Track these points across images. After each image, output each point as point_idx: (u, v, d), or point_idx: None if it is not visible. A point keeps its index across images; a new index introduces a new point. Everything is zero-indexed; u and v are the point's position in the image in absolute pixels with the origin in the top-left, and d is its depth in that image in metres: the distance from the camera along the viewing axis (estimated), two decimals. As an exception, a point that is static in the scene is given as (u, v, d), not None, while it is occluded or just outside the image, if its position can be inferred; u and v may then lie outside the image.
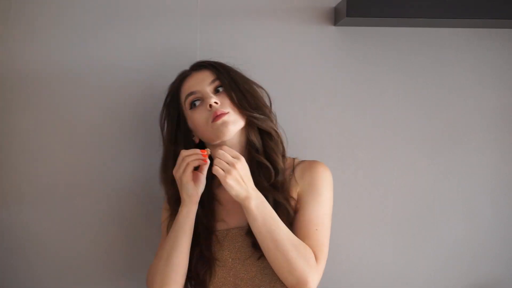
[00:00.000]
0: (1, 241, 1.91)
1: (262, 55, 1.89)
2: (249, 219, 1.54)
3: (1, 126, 1.89)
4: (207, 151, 1.57)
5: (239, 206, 1.58)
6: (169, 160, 1.67)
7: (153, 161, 1.85)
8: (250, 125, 1.64)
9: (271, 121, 1.66)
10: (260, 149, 1.64)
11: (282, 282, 1.57)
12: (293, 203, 1.62)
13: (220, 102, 1.61)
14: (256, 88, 1.70)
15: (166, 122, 1.72)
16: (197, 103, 1.63)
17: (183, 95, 1.67)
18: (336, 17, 1.86)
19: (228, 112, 1.60)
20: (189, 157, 1.56)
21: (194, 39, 1.89)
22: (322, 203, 1.62)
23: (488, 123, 1.93)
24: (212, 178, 1.64)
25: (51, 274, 1.92)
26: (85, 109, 1.89)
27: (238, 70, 1.70)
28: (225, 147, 1.55)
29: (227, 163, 1.51)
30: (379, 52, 1.91)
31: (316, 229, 1.59)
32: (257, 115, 1.63)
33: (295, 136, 1.89)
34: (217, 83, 1.64)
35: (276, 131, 1.66)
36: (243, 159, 1.54)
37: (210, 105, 1.59)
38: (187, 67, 1.74)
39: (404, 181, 1.93)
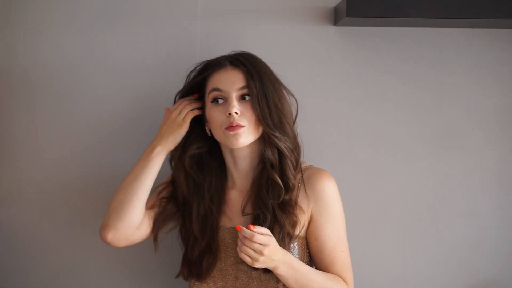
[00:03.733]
0: (1, 241, 1.91)
1: (261, 55, 1.88)
2: (281, 279, 1.57)
3: (1, 125, 1.89)
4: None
5: None
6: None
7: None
8: (268, 140, 1.62)
9: (289, 138, 1.63)
10: (275, 165, 1.63)
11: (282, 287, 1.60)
12: (301, 215, 1.62)
13: (241, 112, 1.59)
14: (285, 96, 1.67)
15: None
16: (220, 101, 1.61)
17: (210, 85, 1.63)
18: (336, 17, 1.86)
19: (244, 126, 1.58)
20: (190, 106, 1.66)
21: (194, 39, 1.89)
22: (339, 223, 1.65)
23: (488, 123, 1.93)
24: (225, 178, 1.69)
25: (51, 273, 1.92)
26: (85, 109, 1.89)
27: (271, 72, 1.67)
28: (257, 228, 1.51)
29: (255, 251, 1.51)
30: (379, 52, 1.91)
31: (342, 251, 1.64)
32: (278, 135, 1.61)
33: (295, 136, 1.90)
34: (245, 91, 1.60)
35: (291, 150, 1.63)
36: (272, 242, 1.52)
37: (230, 113, 1.58)
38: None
39: (404, 181, 1.93)
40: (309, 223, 1.64)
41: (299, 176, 1.65)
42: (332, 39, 1.90)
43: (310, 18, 1.89)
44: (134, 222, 1.64)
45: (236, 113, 1.58)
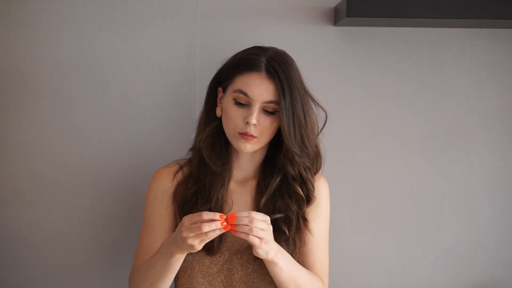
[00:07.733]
0: (1, 241, 1.91)
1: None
2: (275, 269, 1.55)
3: (1, 125, 1.89)
4: (225, 218, 1.47)
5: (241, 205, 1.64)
6: (201, 120, 1.67)
7: (153, 160, 1.85)
8: (287, 156, 1.61)
9: (309, 156, 1.62)
10: (296, 178, 1.64)
11: (275, 286, 1.60)
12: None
13: (259, 124, 1.57)
14: (312, 108, 1.65)
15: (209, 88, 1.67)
16: (243, 104, 1.57)
17: (238, 82, 1.57)
18: (336, 17, 1.86)
19: (256, 137, 1.58)
20: (210, 228, 1.45)
21: (194, 39, 1.89)
22: (324, 223, 1.68)
23: (487, 123, 1.93)
24: (226, 174, 1.64)
25: (51, 274, 1.92)
26: (85, 109, 1.89)
27: (301, 84, 1.61)
28: (253, 213, 1.47)
29: (262, 230, 1.47)
30: (379, 52, 1.91)
31: (323, 251, 1.67)
32: (299, 153, 1.59)
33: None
34: (274, 106, 1.56)
35: (308, 167, 1.64)
36: (269, 220, 1.51)
37: (248, 122, 1.56)
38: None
39: (404, 181, 1.93)
40: None
41: None
42: (332, 39, 1.90)
43: (310, 18, 1.89)
44: None
45: (255, 124, 1.56)
